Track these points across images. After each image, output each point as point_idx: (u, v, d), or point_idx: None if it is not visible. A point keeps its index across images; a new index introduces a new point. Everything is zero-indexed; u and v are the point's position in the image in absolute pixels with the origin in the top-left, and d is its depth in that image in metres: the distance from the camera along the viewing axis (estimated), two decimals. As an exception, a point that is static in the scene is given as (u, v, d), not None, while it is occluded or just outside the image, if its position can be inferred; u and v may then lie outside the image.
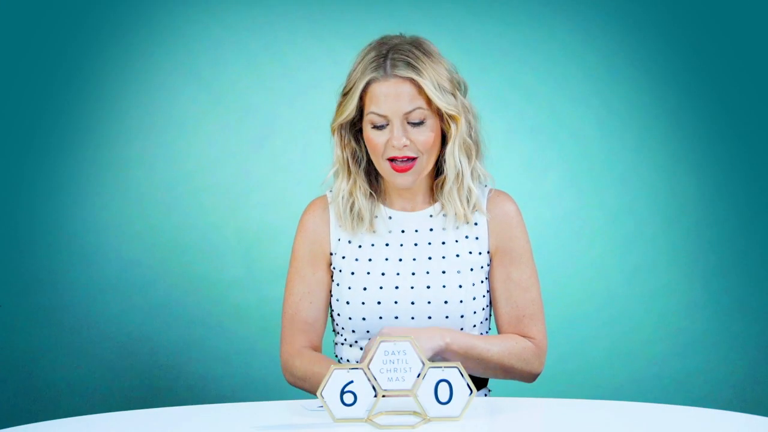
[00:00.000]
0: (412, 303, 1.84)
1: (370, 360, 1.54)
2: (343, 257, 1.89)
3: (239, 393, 2.89)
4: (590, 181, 3.04)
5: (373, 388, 1.54)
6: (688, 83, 3.05)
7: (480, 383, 1.92)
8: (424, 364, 1.54)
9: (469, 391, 1.55)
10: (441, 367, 1.55)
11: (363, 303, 1.84)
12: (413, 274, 1.85)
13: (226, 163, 2.96)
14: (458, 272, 1.85)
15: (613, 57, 3.04)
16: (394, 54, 1.79)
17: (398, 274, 1.85)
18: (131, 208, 2.92)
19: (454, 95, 1.81)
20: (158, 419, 1.65)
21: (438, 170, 1.89)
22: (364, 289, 1.85)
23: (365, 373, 1.54)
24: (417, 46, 1.81)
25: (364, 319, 1.85)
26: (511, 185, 2.98)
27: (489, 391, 1.97)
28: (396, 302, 1.84)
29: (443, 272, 1.85)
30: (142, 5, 2.93)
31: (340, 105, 1.84)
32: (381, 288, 1.85)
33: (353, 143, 1.87)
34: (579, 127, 3.04)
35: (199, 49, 2.95)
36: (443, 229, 1.88)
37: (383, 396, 1.54)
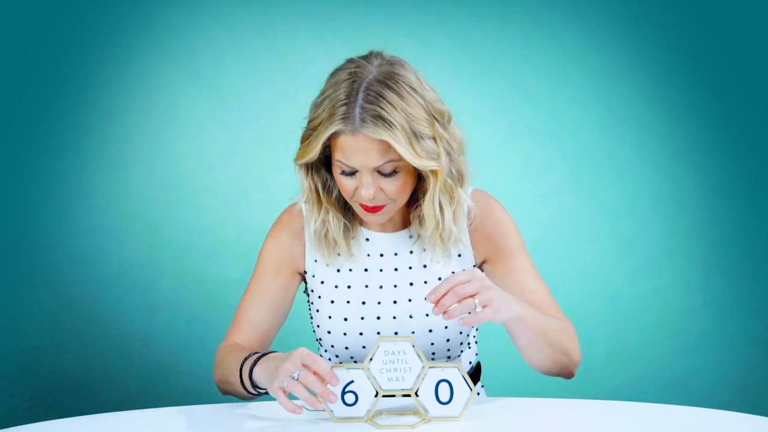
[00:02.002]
0: (396, 333, 1.78)
1: (370, 360, 1.54)
2: (322, 282, 1.81)
3: (239, 393, 2.89)
4: (590, 181, 3.04)
5: (374, 388, 1.54)
6: (689, 83, 3.05)
7: (473, 378, 1.90)
8: (424, 364, 1.54)
9: (469, 391, 1.55)
10: (441, 367, 1.55)
11: (345, 334, 1.78)
12: (395, 302, 1.78)
13: (226, 163, 2.96)
14: None
15: (614, 57, 3.04)
16: (364, 102, 1.60)
17: (379, 303, 1.78)
18: (131, 208, 2.92)
19: (434, 137, 1.64)
20: (158, 419, 1.65)
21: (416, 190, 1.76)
22: (345, 319, 1.78)
23: (365, 373, 1.54)
24: (391, 84, 1.62)
25: (346, 348, 1.79)
26: (511, 185, 3.01)
27: (482, 386, 1.96)
28: (378, 332, 1.78)
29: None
30: (142, 5, 2.93)
31: (305, 141, 1.68)
32: (362, 318, 1.78)
33: (323, 172, 1.75)
34: (579, 127, 3.04)
35: (199, 49, 2.95)
36: (424, 250, 1.79)
37: (383, 396, 1.54)
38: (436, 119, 1.66)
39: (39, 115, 2.88)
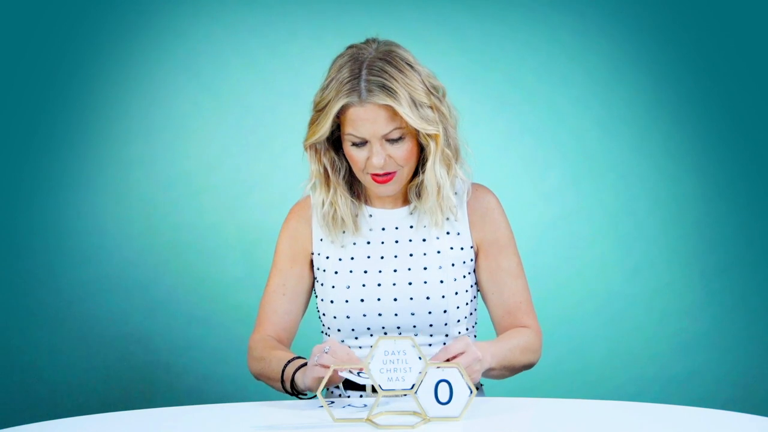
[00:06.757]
0: (395, 300, 1.86)
1: (370, 359, 1.54)
2: (327, 257, 1.92)
3: (239, 393, 2.89)
4: (590, 181, 3.04)
5: (373, 388, 1.54)
6: (689, 83, 3.05)
7: None
8: (423, 363, 1.54)
9: (469, 392, 1.55)
10: (441, 367, 1.55)
11: (347, 301, 1.88)
12: (395, 271, 1.88)
13: (226, 163, 2.96)
14: (439, 268, 1.88)
15: (614, 57, 3.04)
16: (368, 75, 1.78)
17: (380, 271, 1.88)
18: (131, 208, 2.92)
19: (432, 106, 1.81)
20: (158, 419, 1.65)
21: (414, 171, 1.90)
22: (348, 287, 1.88)
23: (365, 373, 1.54)
24: (390, 60, 1.80)
25: (348, 317, 1.87)
26: (511, 185, 3.01)
27: (481, 385, 1.97)
28: (379, 299, 1.87)
29: (424, 268, 1.88)
30: (143, 5, 2.93)
31: (314, 123, 1.83)
32: (364, 286, 1.88)
33: (331, 152, 1.88)
34: (579, 127, 3.04)
35: (200, 50, 2.95)
36: (424, 226, 1.91)
37: (383, 396, 1.54)
38: (432, 92, 1.82)
39: (39, 114, 2.88)
